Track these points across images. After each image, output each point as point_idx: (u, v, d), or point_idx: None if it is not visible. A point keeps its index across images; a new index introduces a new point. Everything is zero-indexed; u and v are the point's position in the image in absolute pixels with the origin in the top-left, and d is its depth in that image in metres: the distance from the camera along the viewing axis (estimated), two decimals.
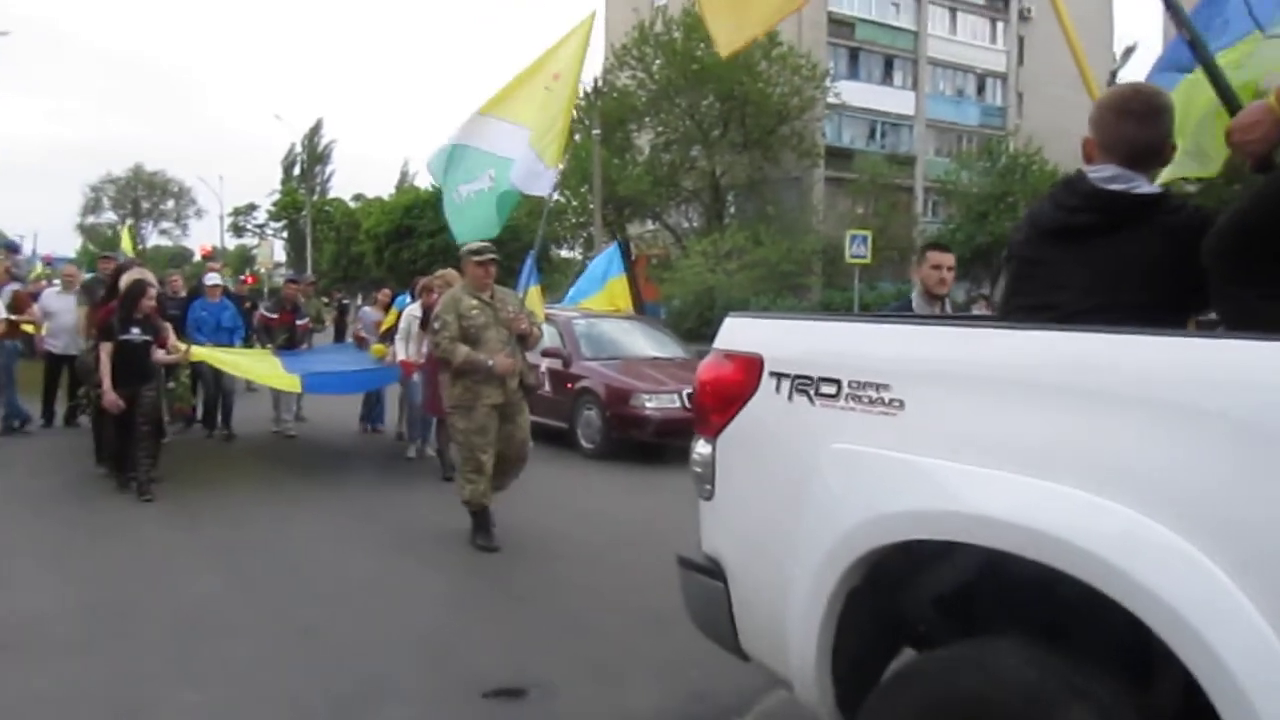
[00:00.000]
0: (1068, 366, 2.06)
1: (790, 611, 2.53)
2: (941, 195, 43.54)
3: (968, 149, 44.88)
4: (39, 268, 27.61)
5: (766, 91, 37.02)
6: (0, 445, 10.30)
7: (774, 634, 2.63)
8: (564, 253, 47.22)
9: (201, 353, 9.29)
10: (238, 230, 77.26)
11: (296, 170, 78.67)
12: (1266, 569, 1.70)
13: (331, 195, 75.80)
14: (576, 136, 43.30)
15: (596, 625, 5.09)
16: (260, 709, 3.98)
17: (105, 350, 7.76)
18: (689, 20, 36.60)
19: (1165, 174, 3.55)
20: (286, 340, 11.16)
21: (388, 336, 10.47)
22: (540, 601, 5.47)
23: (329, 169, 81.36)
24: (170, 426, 10.51)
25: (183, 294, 11.55)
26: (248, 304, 12.92)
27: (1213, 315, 2.65)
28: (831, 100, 39.61)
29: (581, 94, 41.07)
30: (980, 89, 47.86)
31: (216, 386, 10.93)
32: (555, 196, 42.81)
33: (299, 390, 9.93)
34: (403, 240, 50.92)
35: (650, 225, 43.33)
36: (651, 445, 10.09)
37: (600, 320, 12.33)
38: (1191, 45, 3.36)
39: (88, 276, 12.08)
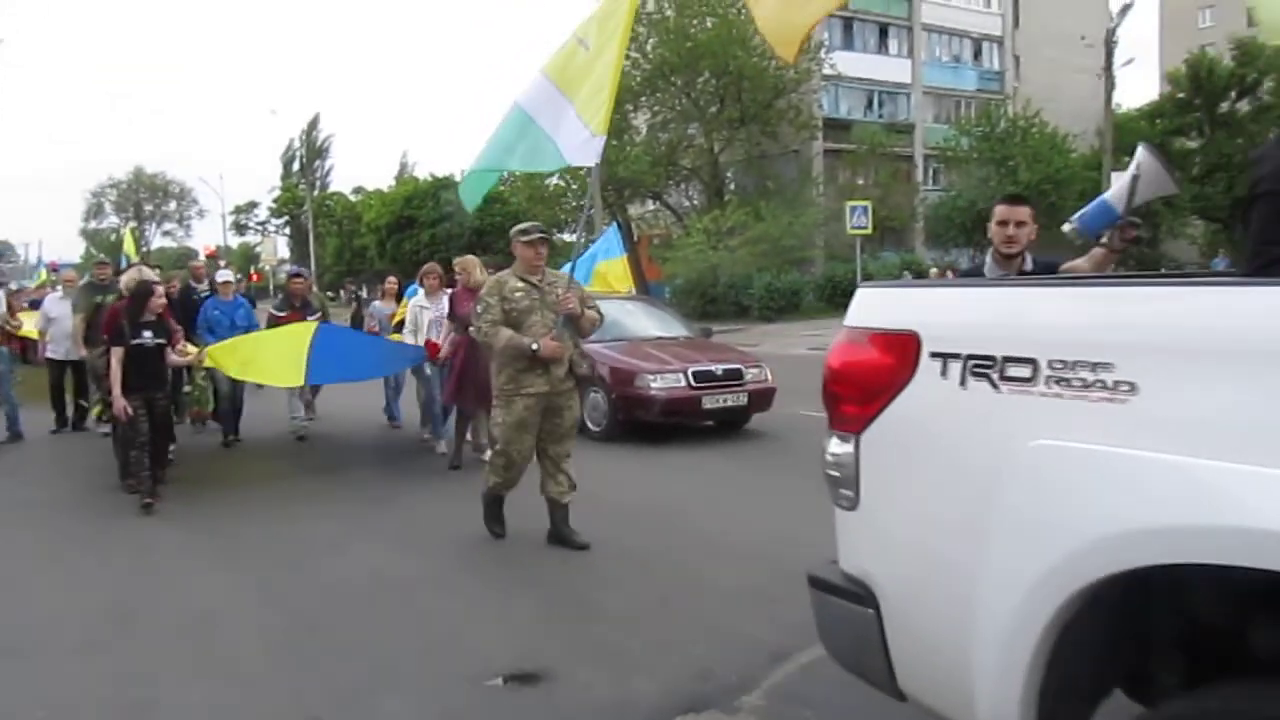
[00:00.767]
0: None
1: (978, 648, 2.11)
2: (942, 163, 43.36)
3: (966, 115, 44.65)
4: (44, 274, 27.69)
5: (762, 66, 36.85)
6: (8, 451, 10.34)
7: (950, 673, 2.23)
8: (567, 236, 47.20)
9: (215, 357, 8.78)
10: (240, 228, 77.43)
11: (296, 166, 78.64)
12: None
13: (332, 189, 75.80)
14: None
15: (600, 607, 5.10)
16: (264, 705, 4.01)
17: (116, 355, 7.43)
18: None
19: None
20: None
21: (401, 329, 10.33)
22: (544, 585, 5.49)
23: (328, 163, 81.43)
24: (193, 427, 10.69)
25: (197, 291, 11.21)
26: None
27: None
28: (827, 71, 39.42)
29: None
30: (976, 54, 47.56)
31: (231, 388, 10.34)
32: (557, 179, 43.00)
33: (300, 384, 9.43)
34: (404, 231, 50.93)
35: (651, 205, 43.26)
36: (658, 426, 10.08)
37: (602, 302, 12.27)
38: None
39: (83, 282, 11.83)
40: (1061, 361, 1.99)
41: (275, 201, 74.16)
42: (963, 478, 2.19)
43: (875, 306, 2.54)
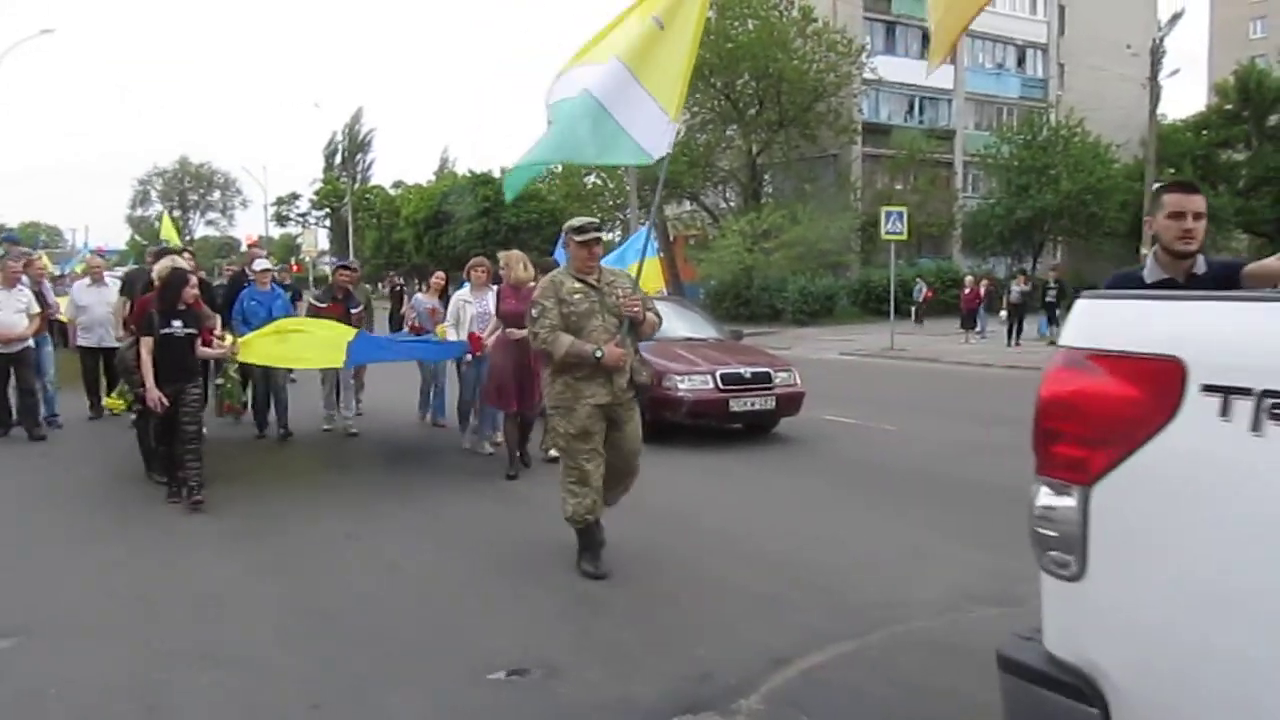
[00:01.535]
0: None
1: None
2: (982, 169, 43.02)
3: (1008, 122, 44.26)
4: (87, 260, 28.15)
5: (802, 69, 36.74)
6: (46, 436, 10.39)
7: None
8: (605, 235, 47.24)
9: (251, 349, 8.46)
10: (281, 219, 78.21)
11: (338, 159, 79.42)
12: None
13: (372, 183, 76.44)
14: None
15: (608, 606, 5.13)
16: (272, 690, 4.07)
17: (145, 346, 7.16)
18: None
19: None
20: None
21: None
22: (553, 583, 5.53)
23: (369, 157, 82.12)
24: (231, 420, 10.48)
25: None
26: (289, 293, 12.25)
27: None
28: (868, 76, 39.22)
29: None
30: (1020, 61, 47.11)
31: (265, 382, 10.14)
32: (594, 178, 43.07)
33: (340, 364, 8.96)
34: (441, 226, 51.23)
35: (687, 206, 43.24)
36: (684, 427, 10.03)
37: None
38: None
39: (131, 267, 12.08)
40: None
41: (316, 194, 74.97)
42: (1256, 548, 1.73)
43: (1113, 323, 2.05)
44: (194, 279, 7.75)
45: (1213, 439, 1.81)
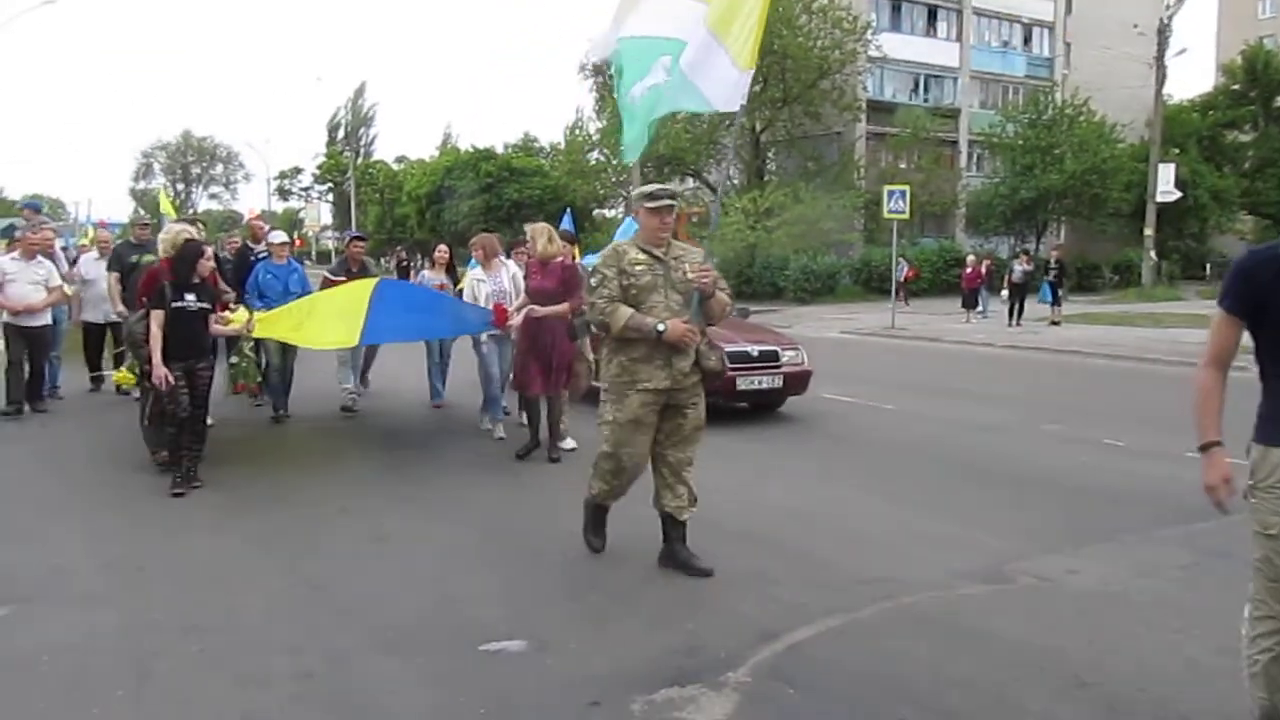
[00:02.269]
0: None
1: None
2: (986, 148, 42.82)
3: (1013, 101, 44.04)
4: (92, 232, 28.10)
5: (807, 46, 36.50)
6: (47, 406, 10.31)
7: None
8: (608, 213, 47.27)
9: (264, 325, 8.00)
10: (284, 194, 78.15)
11: (341, 133, 79.21)
12: None
13: (375, 158, 76.29)
14: (615, 94, 43.20)
15: (600, 581, 5.16)
16: (260, 660, 4.10)
17: (156, 319, 6.75)
18: None
19: None
20: None
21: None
22: (546, 558, 5.55)
23: (373, 132, 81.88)
24: (249, 399, 10.00)
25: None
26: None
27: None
28: (873, 53, 38.98)
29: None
30: (1027, 39, 46.80)
31: (282, 359, 9.60)
32: (595, 155, 42.84)
33: (353, 344, 8.70)
34: (443, 201, 51.15)
35: (690, 183, 43.13)
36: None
37: None
38: None
39: (118, 241, 11.60)
40: None
41: (319, 168, 74.83)
42: None
43: None
44: (209, 250, 7.45)
45: None
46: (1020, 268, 24.18)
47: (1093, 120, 38.41)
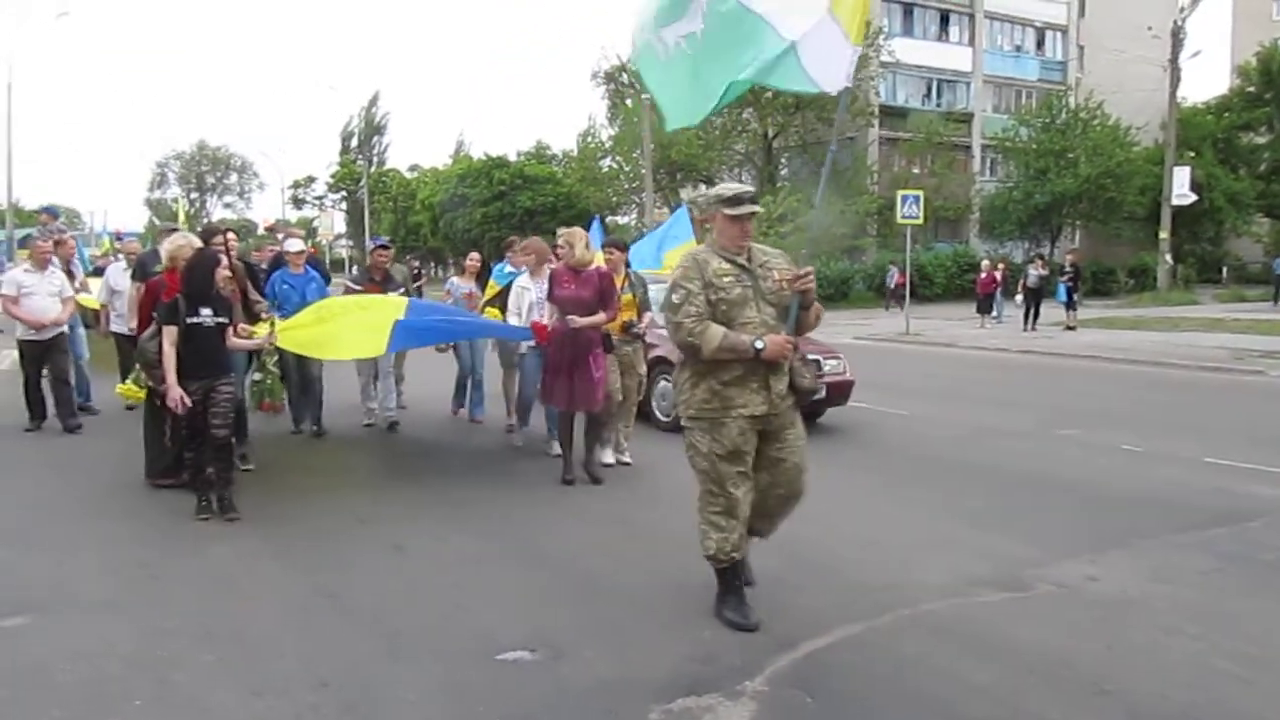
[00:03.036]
0: None
1: None
2: (1000, 153, 42.72)
3: (1027, 105, 43.93)
4: (107, 242, 28.28)
5: None
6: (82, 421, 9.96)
7: None
8: (620, 219, 47.32)
9: (288, 337, 7.43)
10: (298, 202, 78.42)
11: (354, 142, 79.56)
12: None
13: (388, 166, 76.58)
14: (628, 101, 43.35)
15: (616, 589, 5.14)
16: (274, 669, 4.10)
17: (169, 336, 6.28)
18: None
19: None
20: None
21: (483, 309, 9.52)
22: (562, 565, 5.53)
23: (385, 140, 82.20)
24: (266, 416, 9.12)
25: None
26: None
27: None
28: (885, 58, 38.95)
29: (629, 59, 40.99)
30: (1040, 43, 46.72)
31: (299, 372, 9.18)
32: (608, 163, 42.91)
33: (381, 352, 8.19)
34: (457, 209, 51.28)
35: (703, 189, 43.12)
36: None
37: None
38: None
39: (146, 250, 11.41)
40: None
41: (333, 177, 75.13)
42: None
43: None
44: (224, 259, 6.93)
45: None
46: (1035, 272, 24.08)
47: (1107, 124, 38.31)
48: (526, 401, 8.67)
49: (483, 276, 10.45)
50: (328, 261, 40.46)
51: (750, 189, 4.80)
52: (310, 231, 70.26)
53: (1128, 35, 40.41)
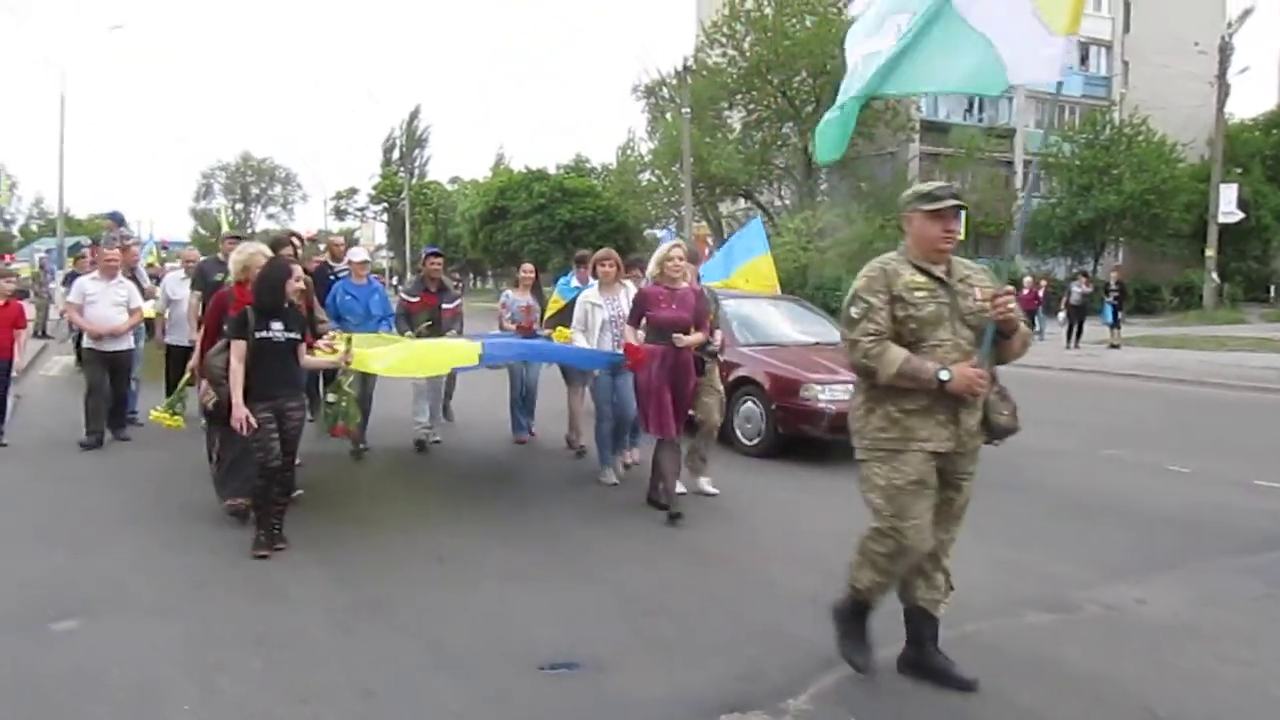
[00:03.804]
0: None
1: None
2: (1042, 168, 42.33)
3: (1070, 120, 43.51)
4: (155, 252, 28.66)
5: None
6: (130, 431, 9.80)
7: None
8: (657, 233, 47.39)
9: (365, 357, 6.78)
10: (340, 213, 79.30)
11: (395, 154, 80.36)
12: None
13: (429, 178, 77.30)
14: (668, 115, 43.50)
15: (657, 603, 5.13)
16: (320, 677, 4.14)
17: (237, 352, 5.85)
18: None
19: None
20: (431, 330, 8.71)
21: (551, 325, 9.06)
22: (606, 578, 5.54)
23: (427, 153, 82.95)
24: (351, 446, 8.71)
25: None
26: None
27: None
28: None
29: (671, 73, 41.14)
30: (1084, 58, 46.20)
31: (362, 388, 8.29)
32: (647, 176, 43.08)
33: (475, 361, 7.37)
34: (496, 221, 51.60)
35: (742, 203, 43.14)
36: (821, 442, 8.87)
37: (750, 300, 10.78)
38: None
39: (203, 259, 10.46)
40: None
41: (375, 188, 75.94)
42: None
43: None
44: (298, 270, 6.38)
45: None
46: (1079, 289, 23.82)
47: (1152, 140, 37.83)
48: (602, 429, 8.00)
49: (538, 289, 9.97)
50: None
51: (951, 185, 4.19)
52: (352, 242, 71.14)
53: (1173, 50, 39.90)
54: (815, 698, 3.96)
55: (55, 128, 30.52)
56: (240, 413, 5.76)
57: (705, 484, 7.63)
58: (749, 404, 9.32)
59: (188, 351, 9.20)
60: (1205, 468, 8.78)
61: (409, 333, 8.59)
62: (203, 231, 71.02)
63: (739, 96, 39.51)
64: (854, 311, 3.97)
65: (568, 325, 8.29)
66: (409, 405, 9.44)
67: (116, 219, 14.56)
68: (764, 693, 3.99)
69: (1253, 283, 42.92)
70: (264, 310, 5.93)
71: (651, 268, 7.20)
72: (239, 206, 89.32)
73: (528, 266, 10.01)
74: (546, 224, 48.17)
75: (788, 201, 40.85)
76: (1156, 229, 37.54)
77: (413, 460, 9.07)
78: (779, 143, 40.01)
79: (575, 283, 9.22)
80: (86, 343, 9.44)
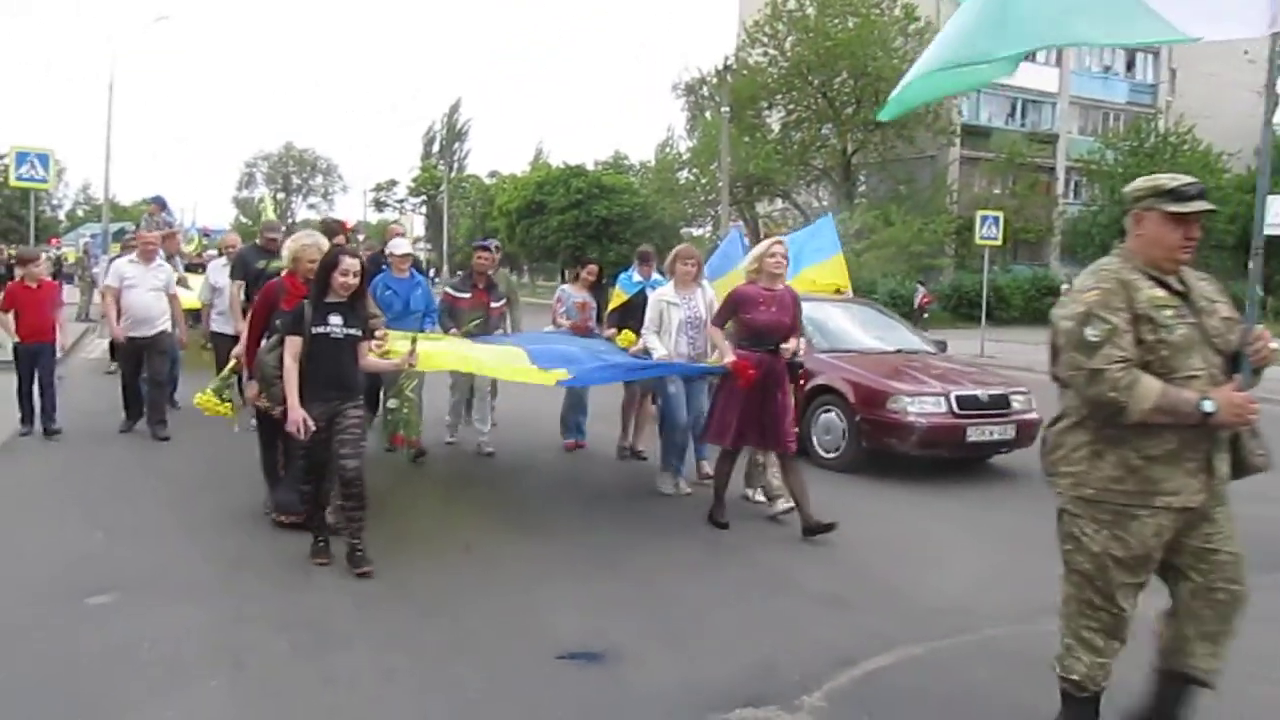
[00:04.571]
0: None
1: None
2: (1084, 176, 41.91)
3: (1114, 128, 43.03)
4: (197, 239, 29.01)
5: (902, 68, 36.13)
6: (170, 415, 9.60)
7: None
8: (695, 231, 47.39)
9: (434, 352, 6.40)
10: (379, 205, 79.91)
11: (435, 147, 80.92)
12: None
13: (468, 172, 77.71)
14: (707, 114, 43.46)
15: (677, 596, 5.18)
16: (344, 659, 4.23)
17: (291, 349, 5.35)
18: None
19: None
20: (479, 328, 8.24)
21: (613, 321, 8.53)
22: (629, 570, 5.60)
23: (466, 146, 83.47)
24: (410, 455, 8.15)
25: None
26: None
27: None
28: None
29: (711, 72, 41.11)
30: (1129, 65, 45.73)
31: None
32: (685, 174, 43.17)
33: (552, 384, 6.78)
34: (534, 216, 51.75)
35: (779, 204, 43.04)
36: (907, 458, 8.45)
37: (827, 304, 10.03)
38: None
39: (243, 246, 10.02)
40: None
41: (414, 181, 76.47)
42: None
43: None
44: (350, 265, 5.44)
45: None
46: None
47: (1198, 149, 37.36)
48: (677, 438, 7.43)
49: (599, 286, 9.31)
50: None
51: (1198, 181, 3.47)
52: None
53: (1222, 59, 39.31)
54: (830, 696, 3.99)
55: (103, 115, 30.93)
56: (296, 415, 5.25)
57: (762, 495, 7.17)
58: (829, 415, 8.75)
59: (233, 340, 8.84)
60: (1239, 483, 8.66)
61: (454, 331, 8.03)
62: (245, 220, 71.87)
63: (779, 96, 39.41)
64: (1091, 334, 3.22)
65: (629, 321, 8.01)
66: (448, 409, 9.12)
67: (159, 202, 14.51)
68: (779, 689, 4.03)
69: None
70: (321, 303, 5.40)
71: (749, 264, 6.67)
72: (280, 196, 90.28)
73: (591, 266, 9.38)
74: (583, 220, 48.23)
75: (825, 202, 40.68)
76: (1200, 240, 36.99)
77: (443, 458, 8.68)
78: (818, 144, 39.88)
79: (637, 277, 8.67)
80: (124, 329, 9.09)
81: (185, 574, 5.31)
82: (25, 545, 5.74)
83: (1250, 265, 3.61)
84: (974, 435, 8.39)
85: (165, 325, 9.20)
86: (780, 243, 6.67)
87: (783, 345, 6.35)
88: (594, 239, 45.12)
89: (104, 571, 5.26)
